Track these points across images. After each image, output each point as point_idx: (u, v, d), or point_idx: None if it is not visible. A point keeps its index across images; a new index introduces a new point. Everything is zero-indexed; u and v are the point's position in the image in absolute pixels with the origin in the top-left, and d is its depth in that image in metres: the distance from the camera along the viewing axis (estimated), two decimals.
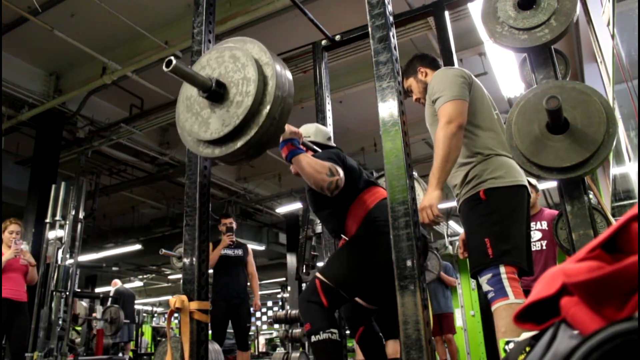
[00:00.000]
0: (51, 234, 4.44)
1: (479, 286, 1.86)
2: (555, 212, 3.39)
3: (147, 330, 11.51)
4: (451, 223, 9.80)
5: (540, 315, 0.46)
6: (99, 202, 8.22)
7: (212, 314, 2.14)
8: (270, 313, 18.22)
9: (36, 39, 5.37)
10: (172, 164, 7.98)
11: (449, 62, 3.07)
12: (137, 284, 16.65)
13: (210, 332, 3.12)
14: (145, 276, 16.15)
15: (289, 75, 1.55)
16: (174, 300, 1.82)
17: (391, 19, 1.75)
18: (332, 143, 2.35)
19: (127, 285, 11.65)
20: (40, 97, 5.99)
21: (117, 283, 8.17)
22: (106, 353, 6.36)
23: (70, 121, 6.51)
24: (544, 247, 3.35)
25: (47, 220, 4.45)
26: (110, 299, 6.87)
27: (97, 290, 13.37)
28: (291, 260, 10.42)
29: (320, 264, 3.85)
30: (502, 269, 1.76)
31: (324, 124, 3.28)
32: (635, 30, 2.87)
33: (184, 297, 1.82)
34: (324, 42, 3.44)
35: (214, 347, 3.27)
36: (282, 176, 9.17)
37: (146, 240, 10.86)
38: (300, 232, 4.84)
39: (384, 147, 1.61)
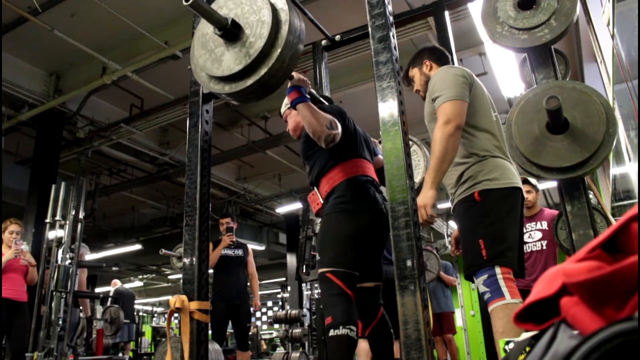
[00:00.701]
0: (51, 234, 4.44)
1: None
2: (555, 212, 3.39)
3: (147, 330, 11.51)
4: (451, 223, 9.81)
5: (540, 315, 0.46)
6: (99, 202, 8.22)
7: (212, 314, 2.15)
8: (270, 313, 18.22)
9: (36, 39, 5.36)
10: (172, 164, 7.98)
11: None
12: (137, 284, 16.65)
13: (210, 332, 3.12)
14: (145, 276, 16.15)
15: (301, 23, 1.64)
16: (174, 300, 1.82)
17: (391, 19, 1.75)
18: (326, 96, 2.39)
19: (127, 285, 11.65)
20: (40, 97, 5.99)
21: (117, 283, 8.17)
22: (106, 353, 6.35)
23: (70, 121, 6.51)
24: (544, 247, 3.35)
25: (47, 220, 4.45)
26: (110, 299, 6.87)
27: (97, 290, 13.37)
28: (291, 260, 10.42)
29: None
30: (498, 270, 1.76)
31: None
32: (635, 30, 2.87)
33: (184, 297, 1.82)
34: (324, 42, 3.44)
35: (214, 347, 3.27)
36: (282, 176, 9.17)
37: (146, 240, 10.86)
38: (300, 232, 4.84)
39: (384, 147, 1.61)
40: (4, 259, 3.95)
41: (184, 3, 1.49)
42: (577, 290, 0.40)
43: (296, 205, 9.23)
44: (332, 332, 1.85)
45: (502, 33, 1.93)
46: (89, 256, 11.18)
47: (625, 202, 5.83)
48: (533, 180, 3.33)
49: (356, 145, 2.18)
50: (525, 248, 2.77)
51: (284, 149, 7.64)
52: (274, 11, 1.56)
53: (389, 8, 1.75)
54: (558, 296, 0.42)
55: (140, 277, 16.18)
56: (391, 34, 1.70)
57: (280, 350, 6.61)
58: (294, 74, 1.96)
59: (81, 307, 5.38)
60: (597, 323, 0.38)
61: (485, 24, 2.00)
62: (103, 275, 14.16)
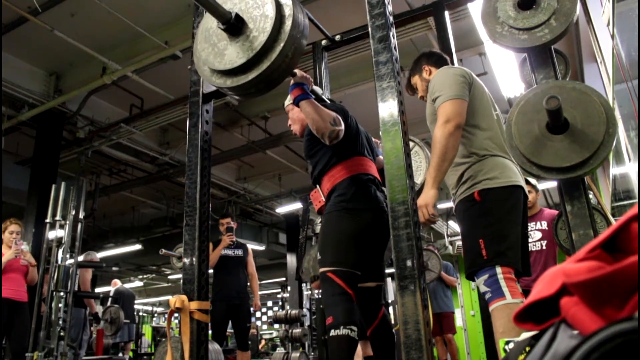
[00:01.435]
0: (51, 234, 4.44)
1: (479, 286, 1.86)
2: (555, 212, 3.39)
3: (147, 330, 11.51)
4: (451, 223, 9.80)
5: (540, 315, 0.46)
6: (99, 202, 8.22)
7: (212, 314, 2.15)
8: (270, 313, 18.22)
9: (36, 39, 5.36)
10: (172, 164, 7.98)
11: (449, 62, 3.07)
12: (137, 284, 16.65)
13: (210, 332, 3.12)
14: (145, 276, 16.15)
15: (305, 19, 1.65)
16: (174, 300, 1.82)
17: (391, 19, 1.75)
18: (329, 98, 2.40)
19: (127, 285, 11.64)
20: (40, 97, 5.99)
21: (117, 283, 8.16)
22: (106, 353, 6.36)
23: (70, 121, 6.51)
24: (544, 247, 3.35)
25: (47, 220, 4.45)
26: (110, 299, 6.87)
27: (97, 290, 13.37)
28: (291, 260, 10.42)
29: None
30: (498, 270, 1.76)
31: None
32: (635, 30, 2.87)
33: (184, 297, 1.82)
34: (324, 42, 3.44)
35: (214, 347, 3.27)
36: (282, 176, 9.17)
37: (146, 240, 10.86)
38: (300, 232, 4.84)
39: (383, 147, 1.61)
40: (4, 259, 3.95)
41: None
42: (577, 290, 0.40)
43: (296, 205, 9.23)
44: (332, 332, 1.85)
45: (502, 33, 1.93)
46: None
47: (625, 202, 5.83)
48: (533, 180, 3.33)
49: (358, 143, 2.19)
50: None
51: (284, 149, 7.64)
52: (278, 6, 1.57)
53: (389, 8, 1.75)
54: (558, 296, 0.42)
55: (140, 277, 16.18)
56: (391, 34, 1.70)
57: (280, 350, 6.60)
58: (296, 71, 1.97)
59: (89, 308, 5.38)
60: (597, 323, 0.38)
61: (485, 24, 2.00)
62: (103, 275, 14.15)
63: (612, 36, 3.17)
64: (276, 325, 12.28)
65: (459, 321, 7.17)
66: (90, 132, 6.75)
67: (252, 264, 4.81)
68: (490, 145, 1.96)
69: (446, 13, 3.42)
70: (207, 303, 1.88)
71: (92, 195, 7.94)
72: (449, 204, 8.61)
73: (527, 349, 0.49)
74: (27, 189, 6.30)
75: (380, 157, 2.36)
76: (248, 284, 4.76)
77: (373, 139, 2.45)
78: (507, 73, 4.86)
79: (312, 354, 5.18)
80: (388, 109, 1.62)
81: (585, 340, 0.35)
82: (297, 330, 4.86)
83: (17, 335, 4.02)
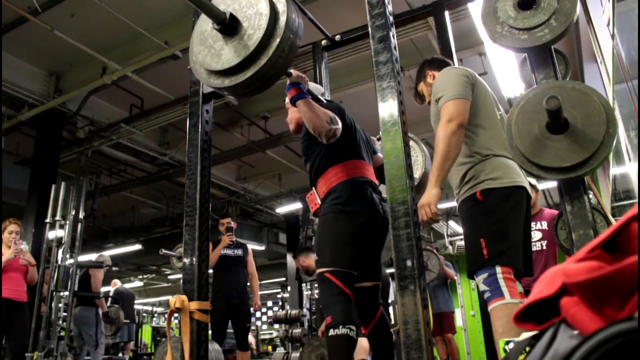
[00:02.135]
0: (51, 234, 4.44)
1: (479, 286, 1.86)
2: (555, 212, 3.39)
3: (147, 330, 11.51)
4: (451, 223, 9.80)
5: (540, 315, 0.46)
6: (99, 202, 8.22)
7: (211, 314, 2.14)
8: (270, 313, 18.21)
9: (36, 39, 5.36)
10: (172, 164, 7.98)
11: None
12: (137, 284, 16.64)
13: (210, 332, 3.12)
14: (145, 276, 16.15)
15: (299, 17, 1.67)
16: (174, 300, 1.82)
17: (391, 19, 1.75)
18: (324, 100, 2.41)
19: (127, 285, 11.65)
20: (40, 97, 5.98)
21: (117, 283, 8.17)
22: (106, 353, 6.36)
23: (70, 121, 6.50)
24: (544, 247, 3.35)
25: (47, 220, 4.45)
26: (110, 299, 6.87)
27: None
28: (291, 260, 10.41)
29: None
30: (498, 269, 1.76)
31: None
32: (635, 30, 2.87)
33: (184, 297, 1.82)
34: (324, 42, 3.44)
35: (214, 347, 3.27)
36: (282, 176, 9.17)
37: (146, 240, 10.86)
38: (300, 232, 4.84)
39: (384, 147, 1.61)
40: (3, 258, 3.95)
41: None
42: (577, 290, 0.40)
43: (296, 205, 9.23)
44: (331, 332, 1.85)
45: (502, 33, 1.93)
46: (88, 256, 11.19)
47: (625, 202, 5.83)
48: (533, 180, 3.33)
49: (355, 145, 2.18)
50: None
51: (284, 149, 7.64)
52: (272, 3, 1.59)
53: (389, 8, 1.75)
54: (558, 296, 0.42)
55: (140, 277, 16.18)
56: (391, 34, 1.70)
57: (280, 350, 6.60)
58: (292, 70, 1.97)
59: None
60: (597, 323, 0.38)
61: (485, 24, 2.00)
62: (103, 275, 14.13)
63: (612, 36, 3.17)
64: (276, 325, 12.28)
65: (459, 321, 7.17)
66: (90, 132, 6.75)
67: (252, 264, 4.81)
68: (493, 145, 1.96)
69: (446, 13, 3.42)
70: (207, 303, 1.88)
71: (92, 195, 7.94)
72: (449, 204, 8.61)
73: (527, 349, 0.49)
74: (27, 189, 6.30)
75: (379, 154, 2.36)
76: (248, 283, 4.76)
77: (372, 138, 2.45)
78: (507, 73, 4.86)
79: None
80: (388, 109, 1.62)
81: (585, 341, 0.35)
82: (297, 330, 4.86)
83: (17, 335, 4.02)
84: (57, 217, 4.40)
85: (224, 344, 4.54)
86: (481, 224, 1.85)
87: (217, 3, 1.69)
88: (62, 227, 4.41)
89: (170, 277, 16.16)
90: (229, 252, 4.58)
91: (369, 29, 1.72)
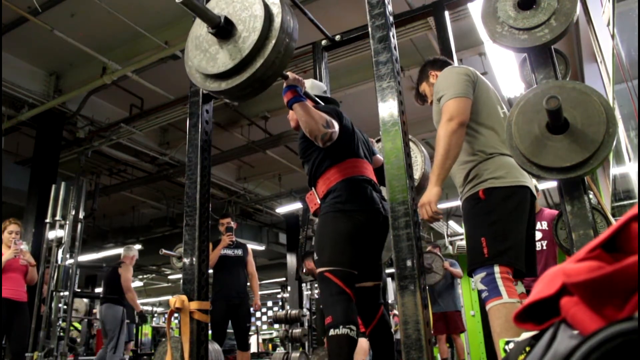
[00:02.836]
0: (51, 234, 4.44)
1: None
2: (555, 212, 3.39)
3: (147, 330, 11.50)
4: (451, 223, 9.81)
5: (540, 315, 0.46)
6: (99, 202, 8.22)
7: (211, 314, 2.15)
8: (270, 313, 18.21)
9: (36, 39, 5.36)
10: (172, 164, 7.98)
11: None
12: (137, 284, 16.63)
13: (210, 332, 3.12)
14: (145, 276, 16.15)
15: (294, 19, 1.66)
16: (174, 300, 1.82)
17: (391, 19, 1.75)
18: (328, 95, 2.41)
19: None
20: (40, 97, 5.99)
21: None
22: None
23: (70, 121, 6.51)
24: (544, 247, 3.35)
25: (47, 220, 4.45)
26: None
27: (97, 290, 13.36)
28: (291, 260, 10.42)
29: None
30: (496, 269, 1.76)
31: None
32: (635, 30, 2.87)
33: (184, 297, 1.82)
34: (324, 42, 3.44)
35: (214, 347, 3.27)
36: (282, 176, 9.17)
37: (146, 240, 10.86)
38: (300, 232, 4.84)
39: (384, 147, 1.61)
40: (3, 258, 3.95)
41: (177, 1, 1.50)
42: (577, 290, 0.40)
43: (296, 205, 9.23)
44: (332, 332, 1.85)
45: (502, 33, 1.93)
46: (88, 256, 11.20)
47: (625, 202, 5.83)
48: (533, 181, 3.33)
49: (353, 145, 2.18)
50: None
51: (284, 149, 7.64)
52: (266, 6, 1.59)
53: (389, 8, 1.75)
54: (558, 296, 0.42)
55: (140, 277, 16.18)
56: (391, 34, 1.70)
57: (280, 350, 6.61)
58: (288, 73, 1.97)
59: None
60: (597, 323, 0.38)
61: (485, 24, 2.00)
62: (103, 275, 14.14)
63: (612, 36, 3.17)
64: (276, 325, 12.27)
65: None
66: (90, 132, 6.75)
67: (252, 264, 4.81)
68: (497, 143, 1.96)
69: (446, 13, 3.42)
70: (207, 303, 1.88)
71: (92, 195, 7.94)
72: (449, 204, 8.61)
73: (527, 349, 0.49)
74: (27, 189, 6.30)
75: (378, 156, 2.36)
76: (248, 283, 4.76)
77: (370, 139, 2.44)
78: (507, 73, 4.86)
79: (312, 354, 5.18)
80: (388, 109, 1.62)
81: (585, 341, 0.35)
82: (297, 330, 4.86)
83: (16, 335, 4.02)
84: (57, 217, 4.41)
85: (224, 344, 4.54)
86: (483, 222, 1.85)
87: (211, 7, 1.68)
88: (62, 227, 4.42)
89: (170, 277, 16.16)
90: (229, 252, 4.58)
91: (369, 29, 1.72)
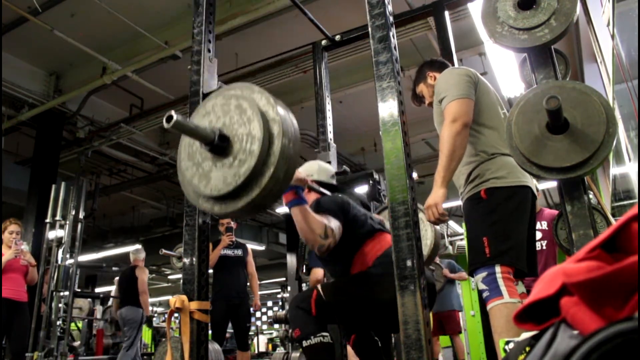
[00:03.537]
0: (51, 234, 4.44)
1: None
2: (555, 212, 3.39)
3: (147, 331, 11.50)
4: (451, 223, 9.80)
5: (540, 315, 0.46)
6: (99, 202, 8.22)
7: (212, 314, 2.14)
8: (270, 313, 18.21)
9: (36, 39, 5.36)
10: (172, 164, 7.98)
11: (449, 62, 3.07)
12: None
13: (210, 332, 3.12)
14: None
15: (296, 131, 1.44)
16: (174, 300, 1.82)
17: (391, 19, 1.75)
18: (334, 181, 2.30)
19: None
20: (40, 97, 5.99)
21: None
22: (106, 353, 6.36)
23: (70, 121, 6.51)
24: (544, 247, 3.35)
25: (47, 220, 4.45)
26: (110, 299, 6.87)
27: (97, 290, 13.37)
28: (291, 260, 10.38)
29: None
30: (498, 269, 1.76)
31: (324, 124, 3.28)
32: (635, 30, 2.87)
33: (184, 297, 1.82)
34: (324, 42, 3.44)
35: (214, 347, 3.27)
36: None
37: (146, 240, 10.85)
38: None
39: (384, 147, 1.60)
40: (3, 259, 3.95)
41: (165, 125, 1.31)
42: (577, 290, 0.40)
43: None
44: (305, 343, 1.83)
45: (502, 33, 1.93)
46: (88, 256, 11.19)
47: (625, 202, 5.84)
48: (534, 181, 3.33)
49: (365, 226, 2.04)
50: None
51: None
52: (265, 123, 1.38)
53: (389, 8, 1.75)
54: (558, 296, 0.42)
55: None
56: (391, 34, 1.70)
57: (280, 350, 6.60)
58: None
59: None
60: (597, 323, 0.38)
61: (485, 24, 2.00)
62: (103, 275, 14.15)
63: (612, 36, 3.17)
64: (276, 325, 12.27)
65: None
66: (90, 132, 6.75)
67: (252, 264, 4.81)
68: (499, 143, 1.96)
69: (446, 13, 3.42)
70: (207, 303, 1.88)
71: (92, 195, 7.94)
72: (449, 204, 8.61)
73: (527, 349, 0.49)
74: (27, 189, 6.30)
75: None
76: (248, 283, 4.76)
77: (376, 216, 2.33)
78: (507, 73, 4.86)
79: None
80: (388, 109, 1.62)
81: (585, 340, 0.35)
82: None
83: (17, 335, 4.02)
84: (57, 217, 4.41)
85: (224, 344, 4.54)
86: (484, 222, 1.85)
87: (207, 111, 1.51)
88: (62, 227, 4.41)
89: (170, 277, 16.15)
90: (229, 252, 4.59)
91: (369, 29, 1.72)
